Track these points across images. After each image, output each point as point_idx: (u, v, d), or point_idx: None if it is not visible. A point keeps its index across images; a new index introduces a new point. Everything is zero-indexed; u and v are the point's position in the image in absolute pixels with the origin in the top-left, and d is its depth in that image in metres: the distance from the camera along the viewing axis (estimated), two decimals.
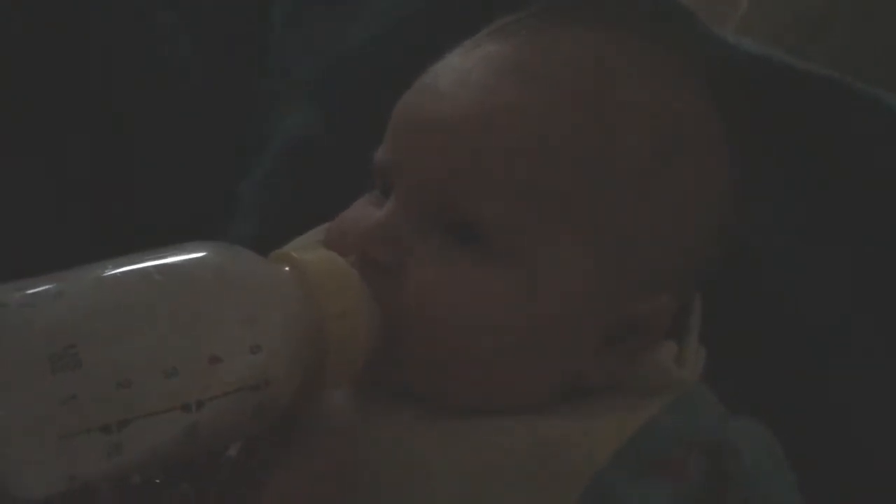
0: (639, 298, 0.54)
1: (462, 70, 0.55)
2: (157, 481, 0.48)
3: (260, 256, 0.47)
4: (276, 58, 0.78)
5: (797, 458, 0.55)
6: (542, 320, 0.52)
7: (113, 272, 0.43)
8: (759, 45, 0.72)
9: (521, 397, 0.53)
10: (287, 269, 0.48)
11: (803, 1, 0.88)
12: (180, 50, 0.77)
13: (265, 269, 0.47)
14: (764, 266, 0.66)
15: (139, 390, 0.41)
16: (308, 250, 0.50)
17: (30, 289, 0.41)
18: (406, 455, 0.51)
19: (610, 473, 0.51)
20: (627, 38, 0.56)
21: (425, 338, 0.51)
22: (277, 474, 0.46)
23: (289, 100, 0.76)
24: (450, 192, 0.52)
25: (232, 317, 0.44)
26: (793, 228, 0.67)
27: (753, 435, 0.54)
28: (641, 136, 0.54)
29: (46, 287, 0.42)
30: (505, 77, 0.53)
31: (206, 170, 0.75)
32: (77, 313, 0.41)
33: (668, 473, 0.52)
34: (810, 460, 0.55)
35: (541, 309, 0.52)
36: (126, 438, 0.41)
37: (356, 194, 0.57)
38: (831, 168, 0.67)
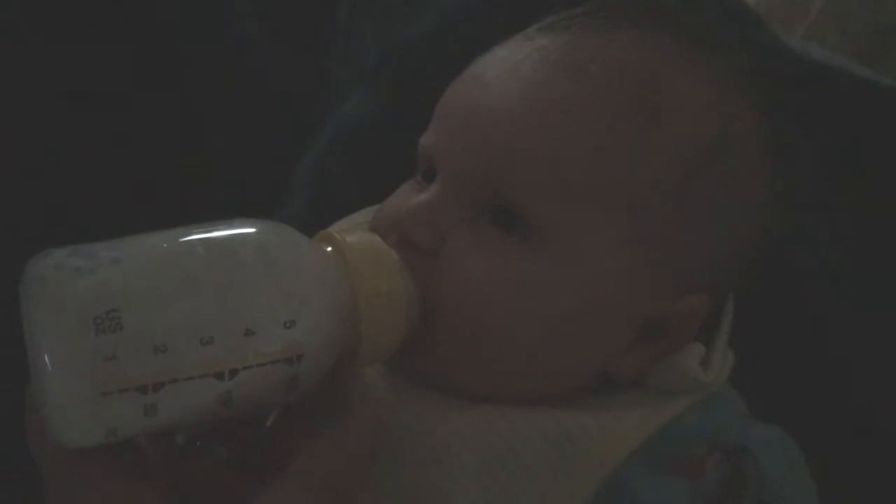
0: (674, 297, 0.54)
1: (511, 62, 0.55)
2: (198, 443, 0.50)
3: (303, 236, 0.48)
4: (340, 43, 0.79)
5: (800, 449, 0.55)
6: (575, 311, 0.52)
7: (161, 244, 0.45)
8: (825, 53, 0.71)
9: (549, 388, 0.53)
10: (328, 248, 0.49)
11: (874, 11, 0.87)
12: (252, 30, 0.78)
13: (306, 248, 0.48)
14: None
15: (175, 355, 0.43)
16: (351, 232, 0.51)
17: (83, 254, 0.44)
18: (428, 438, 0.52)
19: (629, 468, 0.51)
20: (679, 42, 0.56)
21: (461, 322, 0.52)
22: (312, 445, 0.46)
23: (349, 84, 0.76)
24: (492, 180, 0.52)
25: (269, 292, 0.45)
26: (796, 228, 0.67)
27: (774, 442, 0.54)
28: (685, 140, 0.54)
29: (97, 253, 0.44)
30: (554, 71, 0.53)
31: (265, 147, 0.76)
32: (122, 280, 0.43)
33: (687, 473, 0.52)
34: (814, 442, 0.55)
35: (575, 299, 0.52)
36: (161, 399, 0.43)
37: (405, 180, 0.58)
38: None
